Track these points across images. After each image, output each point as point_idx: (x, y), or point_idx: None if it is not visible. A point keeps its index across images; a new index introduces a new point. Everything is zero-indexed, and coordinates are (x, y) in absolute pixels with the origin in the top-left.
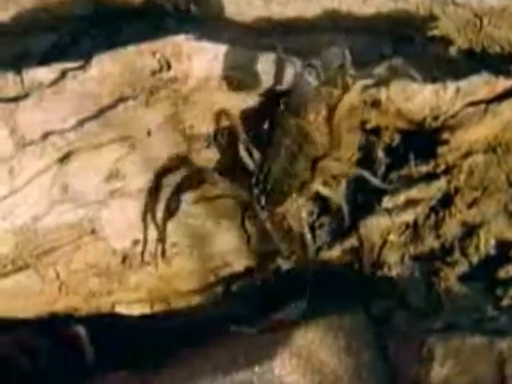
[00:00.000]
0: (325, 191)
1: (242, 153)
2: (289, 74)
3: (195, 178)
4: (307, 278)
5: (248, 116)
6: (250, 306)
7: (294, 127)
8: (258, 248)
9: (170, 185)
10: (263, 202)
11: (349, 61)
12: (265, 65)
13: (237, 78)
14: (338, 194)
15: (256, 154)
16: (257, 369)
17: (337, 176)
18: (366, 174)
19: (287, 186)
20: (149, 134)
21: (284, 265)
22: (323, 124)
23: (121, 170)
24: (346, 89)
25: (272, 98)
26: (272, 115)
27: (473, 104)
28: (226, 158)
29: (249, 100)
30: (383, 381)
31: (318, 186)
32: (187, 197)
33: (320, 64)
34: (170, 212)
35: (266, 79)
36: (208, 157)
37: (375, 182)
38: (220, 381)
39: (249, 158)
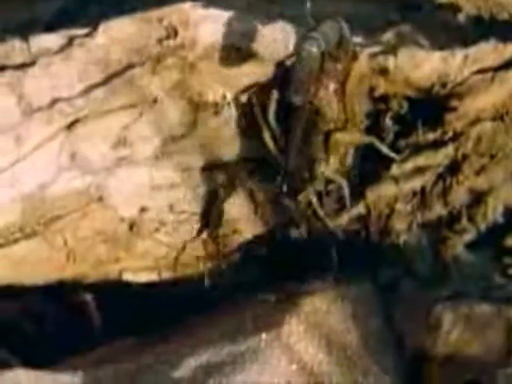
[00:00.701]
0: (335, 176)
1: (267, 139)
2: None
3: None
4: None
5: (258, 86)
6: (258, 275)
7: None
8: (267, 216)
9: (177, 152)
10: (285, 189)
11: (348, 34)
12: (277, 34)
13: (246, 46)
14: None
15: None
16: (264, 336)
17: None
18: (376, 142)
19: (306, 172)
20: (156, 101)
21: (294, 233)
22: (333, 98)
23: (128, 137)
24: (354, 58)
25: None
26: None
27: (481, 71)
28: (235, 126)
29: (258, 70)
30: (390, 349)
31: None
32: (196, 164)
33: (320, 36)
34: None
35: (277, 49)
36: (216, 125)
37: (385, 150)
38: (227, 348)
39: (271, 141)
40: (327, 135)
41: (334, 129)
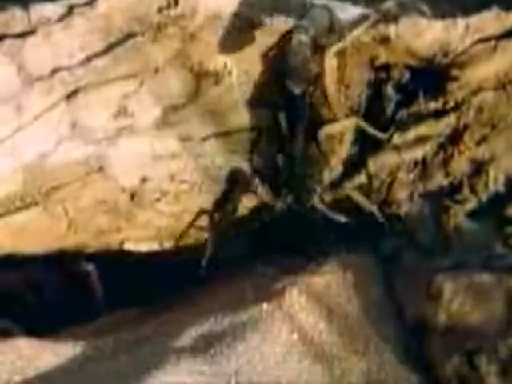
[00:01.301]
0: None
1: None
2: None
3: None
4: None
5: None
6: (256, 247)
7: None
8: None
9: (179, 121)
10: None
11: (337, 18)
12: (285, 3)
13: (251, 16)
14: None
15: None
16: (265, 306)
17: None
18: (365, 125)
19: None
20: (157, 70)
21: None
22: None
23: (129, 106)
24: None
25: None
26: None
27: (483, 40)
28: (235, 96)
29: (264, 40)
30: (391, 319)
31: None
32: (197, 134)
33: (309, 23)
34: None
35: (279, 19)
36: (217, 94)
37: (371, 132)
38: (228, 318)
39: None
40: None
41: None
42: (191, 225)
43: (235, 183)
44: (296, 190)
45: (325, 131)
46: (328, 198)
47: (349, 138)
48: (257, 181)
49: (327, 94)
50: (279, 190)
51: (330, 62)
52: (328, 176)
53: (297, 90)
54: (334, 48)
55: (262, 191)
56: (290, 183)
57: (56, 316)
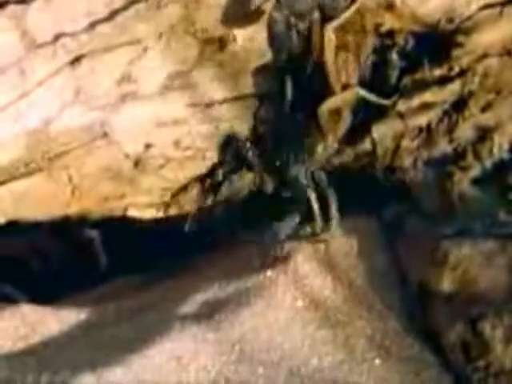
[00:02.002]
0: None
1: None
2: None
3: None
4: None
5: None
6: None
7: None
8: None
9: (183, 88)
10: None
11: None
12: None
13: None
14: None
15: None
16: (270, 272)
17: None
18: (365, 92)
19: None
20: (160, 36)
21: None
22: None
23: (132, 73)
24: None
25: None
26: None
27: (488, 6)
28: (238, 62)
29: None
30: (395, 285)
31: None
32: (201, 100)
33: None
34: None
35: None
36: (222, 60)
37: (374, 99)
38: (233, 285)
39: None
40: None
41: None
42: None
43: (229, 148)
44: (286, 163)
45: (326, 105)
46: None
47: (347, 114)
48: (248, 146)
49: (327, 68)
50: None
51: (330, 37)
52: (322, 153)
53: (279, 63)
54: (334, 23)
55: (254, 159)
56: (282, 154)
57: (60, 283)
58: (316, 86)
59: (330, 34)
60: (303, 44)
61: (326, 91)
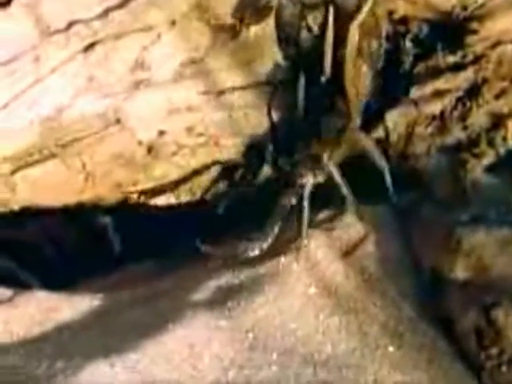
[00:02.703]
0: None
1: None
2: None
3: None
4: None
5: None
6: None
7: None
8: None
9: (196, 75)
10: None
11: None
12: None
13: None
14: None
15: None
16: (283, 260)
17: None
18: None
19: None
20: (173, 23)
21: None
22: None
23: (146, 59)
24: None
25: None
26: None
27: None
28: (251, 49)
29: None
30: (408, 273)
31: None
32: (214, 87)
33: None
34: None
35: None
36: (234, 47)
37: None
38: (246, 272)
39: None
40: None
41: None
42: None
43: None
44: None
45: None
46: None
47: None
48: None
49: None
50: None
51: (354, 34)
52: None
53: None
54: (358, 19)
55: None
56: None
57: (74, 269)
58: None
59: (354, 31)
60: (313, 38)
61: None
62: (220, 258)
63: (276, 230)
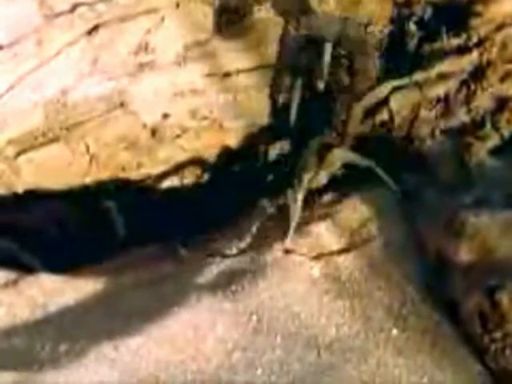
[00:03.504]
0: None
1: None
2: None
3: None
4: None
5: None
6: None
7: None
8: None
9: (200, 57)
10: None
11: None
12: None
13: None
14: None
15: None
16: (286, 244)
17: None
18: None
19: None
20: (177, 6)
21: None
22: None
23: (150, 42)
24: None
25: None
26: None
27: None
28: (256, 32)
29: None
30: (413, 256)
31: None
32: (218, 70)
33: None
34: None
35: None
36: (239, 30)
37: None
38: (250, 255)
39: None
40: None
41: None
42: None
43: None
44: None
45: None
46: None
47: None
48: None
49: None
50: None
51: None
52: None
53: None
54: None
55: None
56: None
57: (78, 252)
58: None
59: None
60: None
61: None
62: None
63: (254, 230)
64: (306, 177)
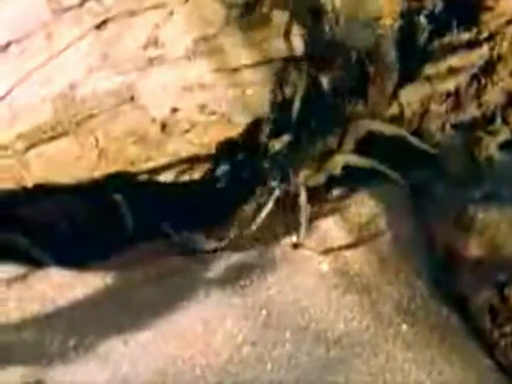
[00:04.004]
0: None
1: None
2: None
3: None
4: None
5: None
6: None
7: None
8: None
9: (209, 51)
10: None
11: None
12: None
13: None
14: None
15: None
16: (294, 238)
17: None
18: None
19: None
20: (186, 0)
21: None
22: None
23: (159, 37)
24: None
25: None
26: None
27: None
28: (265, 26)
29: None
30: (421, 251)
31: None
32: (227, 64)
33: None
34: None
35: None
36: (249, 24)
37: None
38: (259, 249)
39: None
40: None
41: None
42: None
43: None
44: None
45: None
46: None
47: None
48: None
49: None
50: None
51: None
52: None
53: None
54: None
55: None
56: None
57: (87, 247)
58: None
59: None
60: None
61: None
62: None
63: (259, 220)
64: (304, 174)
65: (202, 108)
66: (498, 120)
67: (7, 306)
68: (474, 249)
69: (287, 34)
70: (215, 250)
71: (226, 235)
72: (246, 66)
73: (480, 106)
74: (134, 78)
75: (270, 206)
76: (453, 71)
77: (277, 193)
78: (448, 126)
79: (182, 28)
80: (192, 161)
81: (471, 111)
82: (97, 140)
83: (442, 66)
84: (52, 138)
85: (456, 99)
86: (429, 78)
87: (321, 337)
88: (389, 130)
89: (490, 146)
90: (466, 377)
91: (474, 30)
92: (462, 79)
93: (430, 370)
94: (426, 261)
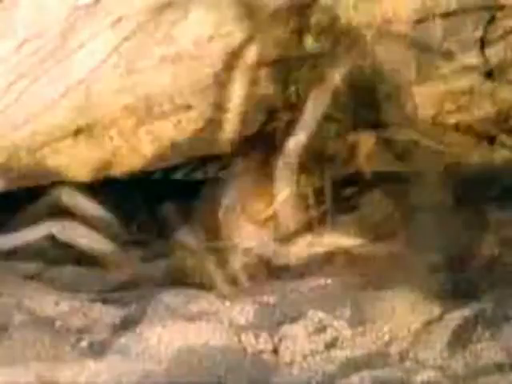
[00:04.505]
0: None
1: None
2: None
3: None
4: None
5: None
6: None
7: None
8: None
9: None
10: None
11: None
12: None
13: None
14: None
15: None
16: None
17: None
18: None
19: None
20: None
21: None
22: None
23: (174, 34)
24: None
25: None
26: None
27: None
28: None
29: None
30: (437, 249)
31: None
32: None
33: None
34: None
35: None
36: (259, 22)
37: None
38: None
39: None
40: None
41: None
42: None
43: None
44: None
45: None
46: None
47: None
48: None
49: None
50: None
51: None
52: None
53: None
54: None
55: None
56: None
57: None
58: None
59: None
60: None
61: None
62: None
63: None
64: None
65: (217, 105)
66: None
67: None
68: (488, 246)
69: None
70: None
71: None
72: (259, 64)
73: (495, 104)
74: (149, 76)
75: None
76: (467, 69)
77: None
78: (463, 124)
79: (196, 26)
80: None
81: (486, 109)
82: (112, 138)
83: (457, 64)
84: (67, 136)
85: (471, 97)
86: (443, 76)
87: None
88: None
89: (506, 144)
90: None
91: (489, 28)
92: (477, 77)
93: None
94: (440, 258)
